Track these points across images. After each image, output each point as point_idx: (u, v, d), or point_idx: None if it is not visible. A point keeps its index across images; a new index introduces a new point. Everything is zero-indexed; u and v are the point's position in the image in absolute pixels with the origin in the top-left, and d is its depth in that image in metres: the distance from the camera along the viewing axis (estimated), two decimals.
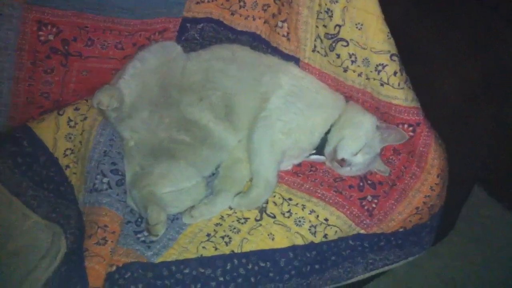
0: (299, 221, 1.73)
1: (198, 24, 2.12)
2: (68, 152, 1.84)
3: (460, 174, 1.89)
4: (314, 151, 1.88)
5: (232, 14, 2.09)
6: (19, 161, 1.79)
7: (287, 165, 1.90)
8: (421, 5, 1.89)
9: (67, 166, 1.82)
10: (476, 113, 1.89)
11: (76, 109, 1.91)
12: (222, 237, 1.68)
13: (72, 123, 1.88)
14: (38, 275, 1.59)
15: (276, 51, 2.01)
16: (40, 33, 1.92)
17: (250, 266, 1.63)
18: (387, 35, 1.72)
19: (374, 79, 1.77)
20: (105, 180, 1.74)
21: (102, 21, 2.00)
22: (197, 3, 2.09)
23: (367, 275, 1.82)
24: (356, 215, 1.76)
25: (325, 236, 1.72)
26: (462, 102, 1.86)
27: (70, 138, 1.86)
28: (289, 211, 1.76)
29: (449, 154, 1.82)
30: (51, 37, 1.94)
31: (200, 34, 2.14)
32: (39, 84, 1.99)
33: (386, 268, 1.85)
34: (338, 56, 1.82)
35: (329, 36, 1.82)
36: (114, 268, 1.55)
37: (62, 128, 1.86)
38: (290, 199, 1.79)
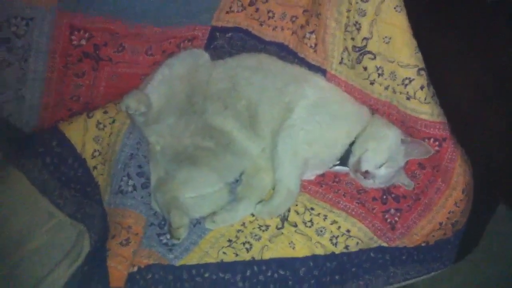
0: (321, 231, 1.74)
1: (227, 33, 2.15)
2: (96, 153, 1.87)
3: (483, 189, 1.86)
4: (338, 162, 1.87)
5: (261, 24, 2.11)
6: (47, 161, 1.83)
7: (310, 175, 1.90)
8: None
9: (95, 167, 1.85)
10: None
11: (105, 112, 1.94)
12: (243, 243, 1.69)
13: (101, 126, 1.91)
14: (60, 273, 1.62)
15: (303, 62, 2.02)
16: (73, 37, 1.98)
17: (269, 274, 1.64)
18: (415, 49, 1.72)
19: (401, 92, 1.77)
20: (130, 182, 1.77)
21: (132, 27, 2.04)
22: (227, 12, 2.12)
23: None
24: (378, 227, 1.76)
25: (346, 247, 1.72)
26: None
27: (98, 140, 1.89)
28: (310, 221, 1.76)
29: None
30: (83, 41, 1.99)
31: (228, 43, 2.16)
32: (70, 87, 2.04)
33: (407, 282, 1.83)
34: (365, 68, 1.83)
35: (357, 49, 1.83)
36: (136, 269, 1.58)
37: (90, 130, 1.90)
38: (312, 209, 1.79)
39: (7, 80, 1.94)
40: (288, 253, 1.68)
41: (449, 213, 1.75)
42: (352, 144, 1.84)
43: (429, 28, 1.80)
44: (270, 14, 2.08)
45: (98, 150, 1.88)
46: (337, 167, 1.89)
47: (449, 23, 1.90)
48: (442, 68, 1.80)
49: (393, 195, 1.82)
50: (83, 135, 1.89)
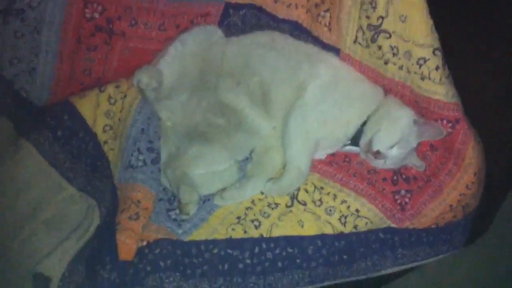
0: (330, 210, 1.73)
1: (240, 10, 2.12)
2: (107, 128, 1.87)
3: (496, 173, 1.85)
4: (349, 142, 1.86)
5: (275, 1, 2.07)
6: (58, 134, 1.83)
7: (321, 155, 1.88)
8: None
9: (105, 142, 1.85)
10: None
11: (117, 87, 1.93)
12: (252, 221, 1.70)
13: (112, 100, 1.90)
14: (69, 245, 1.64)
15: (316, 41, 1.99)
16: (86, 10, 1.96)
17: (278, 251, 1.64)
18: (431, 29, 1.69)
19: (415, 72, 1.74)
20: (140, 157, 1.77)
21: (146, 1, 2.03)
22: None
23: (395, 269, 1.80)
24: (388, 208, 1.75)
25: (355, 227, 1.72)
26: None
27: (109, 114, 1.88)
28: (320, 200, 1.75)
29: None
30: (96, 15, 1.98)
31: (242, 20, 2.13)
32: (82, 61, 2.03)
33: (416, 264, 1.83)
34: (380, 48, 1.80)
35: (372, 28, 1.80)
36: (144, 243, 1.59)
37: (102, 105, 1.89)
38: (322, 188, 1.79)
39: (20, 52, 1.94)
40: (296, 231, 1.68)
41: (460, 195, 1.74)
42: (364, 124, 1.83)
43: None
44: None
45: (109, 125, 1.87)
46: (348, 147, 1.88)
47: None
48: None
49: (404, 176, 1.81)
50: (95, 109, 1.89)
